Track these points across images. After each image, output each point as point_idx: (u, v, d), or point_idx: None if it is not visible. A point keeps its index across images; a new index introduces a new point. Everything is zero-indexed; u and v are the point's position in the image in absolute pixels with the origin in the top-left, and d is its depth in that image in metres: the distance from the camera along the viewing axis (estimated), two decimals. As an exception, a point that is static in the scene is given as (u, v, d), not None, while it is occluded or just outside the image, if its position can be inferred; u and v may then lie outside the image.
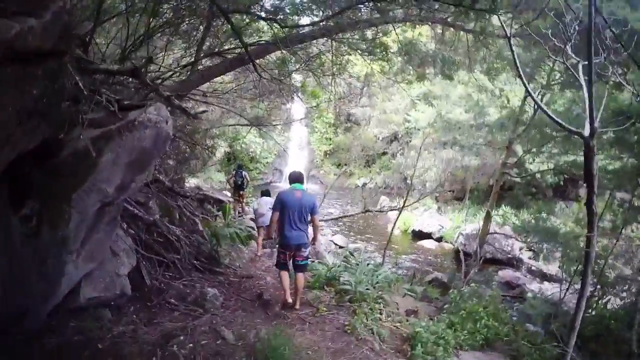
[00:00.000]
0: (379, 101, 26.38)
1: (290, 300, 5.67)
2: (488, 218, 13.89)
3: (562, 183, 16.39)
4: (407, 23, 8.18)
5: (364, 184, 26.66)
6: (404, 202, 11.49)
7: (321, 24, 7.06)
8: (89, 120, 3.69)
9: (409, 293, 7.62)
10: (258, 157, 26.14)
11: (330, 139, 29.45)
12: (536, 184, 15.60)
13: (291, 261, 5.70)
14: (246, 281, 6.65)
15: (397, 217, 12.18)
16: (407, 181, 22.01)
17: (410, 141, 24.18)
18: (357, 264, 7.37)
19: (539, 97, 11.40)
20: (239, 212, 12.36)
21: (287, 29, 6.20)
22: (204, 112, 6.55)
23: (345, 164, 27.72)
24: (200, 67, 7.75)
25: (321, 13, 7.09)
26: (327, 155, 29.50)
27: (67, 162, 3.48)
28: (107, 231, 4.42)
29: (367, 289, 6.43)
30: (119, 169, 3.94)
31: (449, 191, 21.31)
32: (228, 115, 12.14)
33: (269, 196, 9.12)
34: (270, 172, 27.31)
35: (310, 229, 5.80)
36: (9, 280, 3.50)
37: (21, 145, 2.70)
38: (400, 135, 26.46)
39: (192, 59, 7.58)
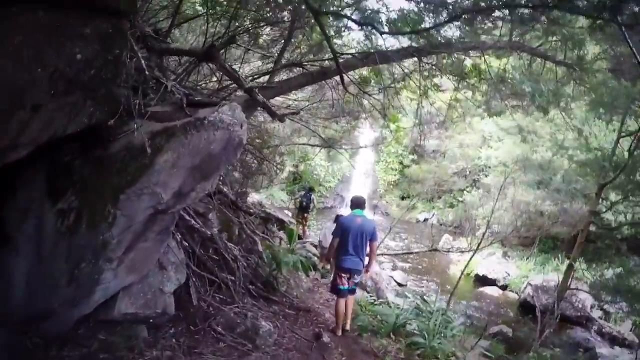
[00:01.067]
0: (456, 133, 25.19)
1: (340, 333, 5.60)
2: (570, 270, 12.40)
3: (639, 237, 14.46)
4: (494, 50, 7.42)
5: (426, 219, 25.44)
6: (478, 245, 10.40)
7: (410, 43, 6.51)
8: (151, 113, 3.17)
9: (488, 354, 6.54)
10: (322, 180, 25.66)
11: (396, 169, 28.50)
12: (611, 237, 13.88)
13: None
14: (303, 315, 5.89)
15: (469, 260, 11.02)
16: (475, 221, 20.62)
17: (478, 179, 22.85)
18: (430, 313, 6.42)
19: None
20: (299, 235, 11.80)
21: (384, 35, 5.56)
22: (293, 113, 6.13)
23: (416, 195, 26.48)
24: (277, 79, 7.37)
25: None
26: (392, 186, 28.55)
27: (117, 156, 2.95)
28: (156, 241, 3.84)
29: (439, 344, 5.52)
30: (179, 173, 3.38)
31: (520, 237, 19.59)
32: (298, 134, 11.85)
33: None
34: (332, 197, 26.72)
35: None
36: (36, 278, 3.01)
37: (58, 124, 2.12)
38: (468, 172, 25.10)
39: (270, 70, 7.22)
